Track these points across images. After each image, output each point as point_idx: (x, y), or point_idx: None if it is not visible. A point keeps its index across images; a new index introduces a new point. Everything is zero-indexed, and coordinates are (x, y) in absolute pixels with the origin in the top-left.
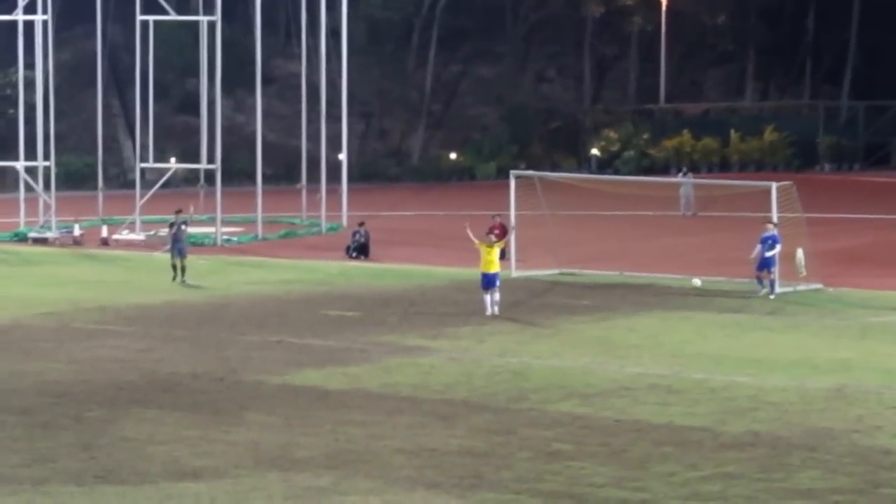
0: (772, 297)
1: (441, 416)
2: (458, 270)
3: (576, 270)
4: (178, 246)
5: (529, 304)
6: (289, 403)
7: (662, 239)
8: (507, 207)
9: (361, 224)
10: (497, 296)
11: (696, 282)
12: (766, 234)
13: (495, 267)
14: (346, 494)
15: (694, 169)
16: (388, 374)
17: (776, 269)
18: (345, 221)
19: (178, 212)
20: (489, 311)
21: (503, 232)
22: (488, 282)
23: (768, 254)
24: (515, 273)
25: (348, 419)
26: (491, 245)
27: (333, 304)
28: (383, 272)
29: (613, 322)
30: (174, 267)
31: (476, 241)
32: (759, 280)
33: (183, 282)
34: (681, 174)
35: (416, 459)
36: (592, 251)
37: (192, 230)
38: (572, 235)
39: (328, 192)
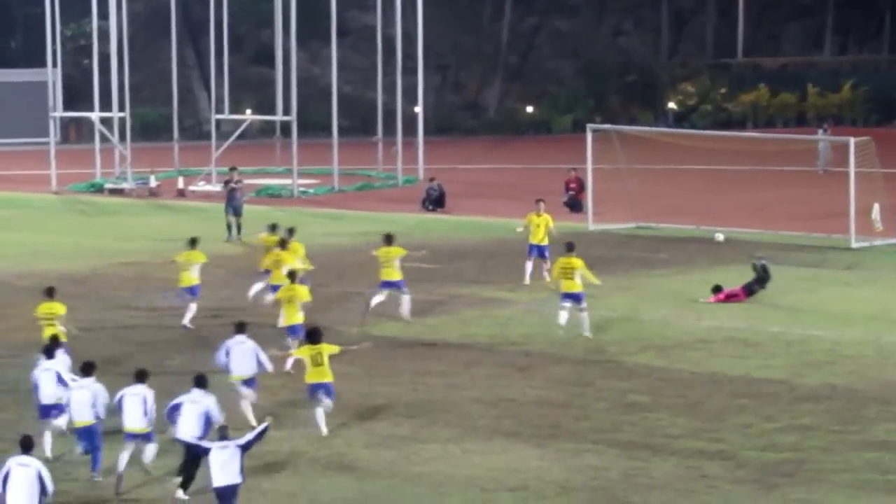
0: None
1: (519, 367)
2: None
3: (653, 224)
4: (234, 204)
5: (606, 257)
6: (368, 354)
7: (740, 193)
8: (584, 161)
9: (432, 179)
10: (549, 264)
11: (719, 237)
12: None
13: (543, 238)
14: (426, 443)
15: (770, 124)
16: (466, 325)
17: None
18: (421, 174)
19: (233, 169)
20: (527, 280)
21: (579, 186)
22: (533, 252)
23: None
24: (592, 226)
25: (427, 369)
26: (539, 214)
27: (410, 256)
28: (460, 225)
29: (690, 276)
30: (228, 226)
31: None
32: None
33: (239, 239)
34: (821, 130)
35: (494, 409)
36: (669, 205)
37: (269, 182)
38: (649, 189)
39: (404, 144)
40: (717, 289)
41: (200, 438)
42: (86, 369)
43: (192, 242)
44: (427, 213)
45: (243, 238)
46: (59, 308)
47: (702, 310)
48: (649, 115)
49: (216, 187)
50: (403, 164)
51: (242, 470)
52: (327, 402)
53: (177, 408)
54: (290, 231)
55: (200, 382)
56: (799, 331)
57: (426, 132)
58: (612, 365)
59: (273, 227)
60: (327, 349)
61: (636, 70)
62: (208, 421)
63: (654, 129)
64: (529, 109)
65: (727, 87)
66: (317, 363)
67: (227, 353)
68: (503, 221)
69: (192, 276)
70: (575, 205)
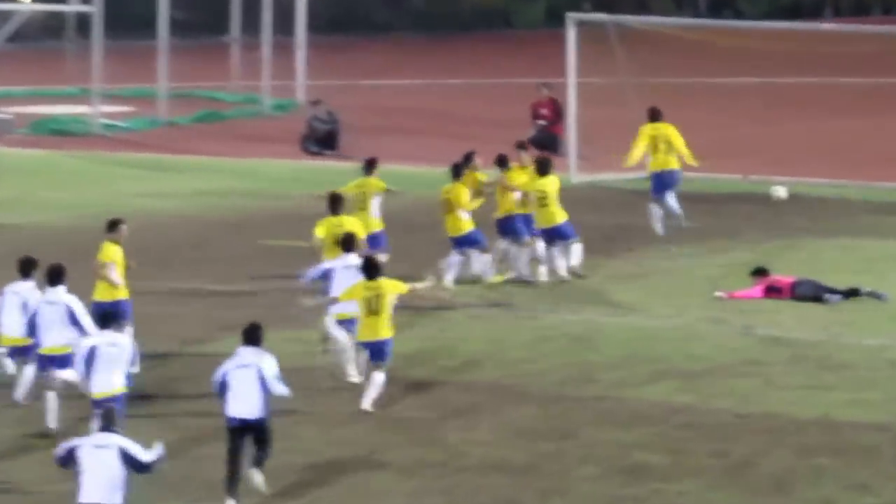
0: None
1: (455, 410)
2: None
3: None
4: None
5: (600, 227)
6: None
7: (813, 122)
8: (563, 74)
9: (316, 103)
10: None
11: (780, 191)
12: None
13: (560, 215)
14: None
15: (860, 10)
16: None
17: None
18: (301, 95)
19: None
20: (552, 275)
21: (554, 112)
22: (551, 236)
23: None
24: (577, 178)
25: (305, 414)
26: (522, 168)
27: (280, 228)
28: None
29: (734, 255)
30: None
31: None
32: None
33: None
34: None
35: (412, 479)
36: (702, 142)
37: (55, 110)
38: (668, 118)
39: (275, 49)
40: (759, 272)
41: (261, 420)
42: None
43: (369, 165)
44: (310, 156)
45: None
46: (111, 251)
47: (753, 310)
48: None
49: None
50: (273, 79)
51: (126, 485)
52: (378, 376)
53: (224, 380)
54: (468, 158)
55: (251, 337)
56: None
57: (312, 30)
58: (608, 403)
59: (522, 145)
60: (390, 289)
61: None
62: (265, 389)
63: (675, 20)
64: None
65: None
66: (371, 310)
67: (329, 276)
68: (433, 172)
69: (370, 218)
70: (548, 142)
